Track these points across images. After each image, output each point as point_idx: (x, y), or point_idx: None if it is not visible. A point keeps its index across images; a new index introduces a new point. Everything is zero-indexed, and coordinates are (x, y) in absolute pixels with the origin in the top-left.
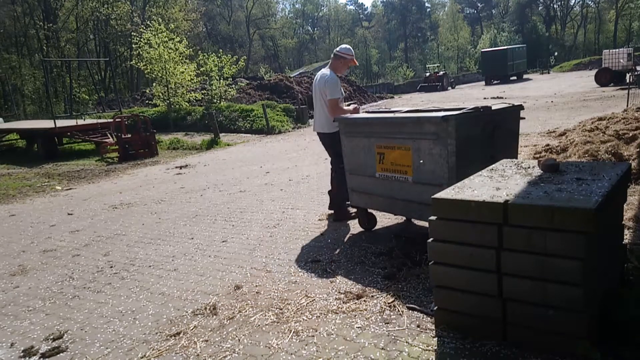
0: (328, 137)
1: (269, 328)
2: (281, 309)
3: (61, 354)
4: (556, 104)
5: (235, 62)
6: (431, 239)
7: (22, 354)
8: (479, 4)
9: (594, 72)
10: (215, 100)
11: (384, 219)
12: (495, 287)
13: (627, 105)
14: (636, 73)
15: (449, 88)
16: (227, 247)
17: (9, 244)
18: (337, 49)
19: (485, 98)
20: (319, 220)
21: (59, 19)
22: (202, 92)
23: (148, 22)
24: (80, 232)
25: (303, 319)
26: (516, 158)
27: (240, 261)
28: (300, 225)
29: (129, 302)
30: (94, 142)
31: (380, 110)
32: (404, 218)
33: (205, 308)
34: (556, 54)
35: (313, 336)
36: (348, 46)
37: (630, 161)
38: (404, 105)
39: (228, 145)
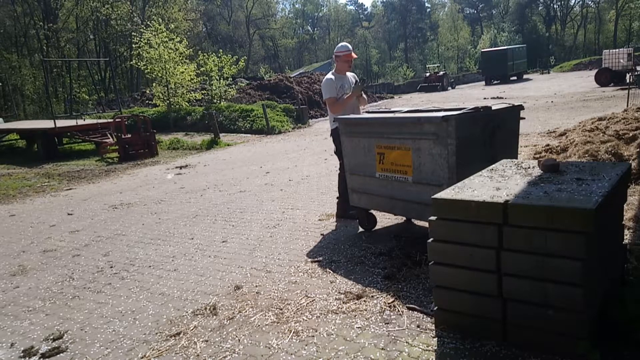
0: (332, 132)
1: (269, 328)
2: (281, 309)
3: (61, 354)
4: (556, 104)
5: (235, 62)
6: (431, 239)
7: (22, 354)
8: (479, 4)
9: (594, 72)
10: (215, 101)
11: (384, 219)
12: (495, 287)
13: (627, 105)
14: (636, 73)
15: (449, 88)
16: (227, 247)
17: (9, 244)
18: None
19: (485, 98)
20: (319, 220)
21: (59, 19)
22: (202, 92)
23: (148, 22)
24: (80, 232)
25: (303, 319)
26: (516, 158)
27: (240, 261)
28: (300, 225)
29: (129, 302)
30: (94, 142)
31: (380, 110)
32: (404, 218)
33: (205, 308)
34: (553, 57)
35: (313, 336)
36: (341, 43)
37: (630, 161)
38: (404, 105)
39: (228, 145)
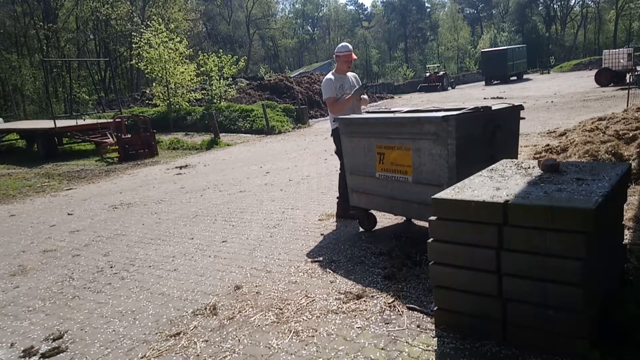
0: (332, 132)
1: (269, 328)
2: (281, 309)
3: (61, 354)
4: (556, 104)
5: (235, 62)
6: (431, 239)
7: (22, 354)
8: (479, 4)
9: (594, 72)
10: (215, 100)
11: (384, 219)
12: (495, 287)
13: (627, 105)
14: (636, 73)
15: (449, 88)
16: (227, 247)
17: (9, 244)
18: None
19: (485, 98)
20: (319, 220)
21: (58, 19)
22: (202, 92)
23: (148, 22)
24: (80, 232)
25: (303, 319)
26: (516, 158)
27: (240, 261)
28: (300, 225)
29: (129, 302)
30: (94, 142)
31: (380, 110)
32: (404, 218)
33: (205, 308)
34: (553, 57)
35: (313, 336)
36: (342, 44)
37: (630, 161)
38: (404, 105)
39: (228, 145)
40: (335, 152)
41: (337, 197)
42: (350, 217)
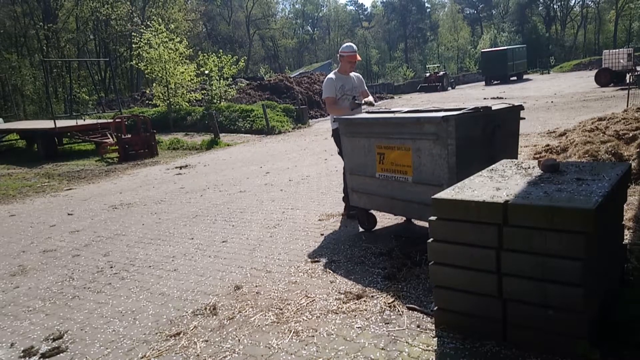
0: (333, 133)
1: (269, 328)
2: (281, 309)
3: (61, 354)
4: (556, 104)
5: (235, 62)
6: (431, 239)
7: (22, 354)
8: (479, 4)
9: (594, 72)
10: (215, 101)
11: (384, 219)
12: (495, 288)
13: (627, 106)
14: (636, 73)
15: (449, 88)
16: (227, 248)
17: (9, 244)
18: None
19: (485, 98)
20: (319, 220)
21: (58, 19)
22: (202, 92)
23: (148, 23)
24: (80, 232)
25: (303, 319)
26: (516, 158)
27: (240, 261)
28: (300, 225)
29: (129, 302)
30: (94, 142)
31: (381, 110)
32: (404, 218)
33: (205, 308)
34: (553, 58)
35: (313, 336)
36: (346, 44)
37: (630, 161)
38: (404, 105)
39: (228, 145)
40: (339, 153)
41: (343, 197)
42: (351, 217)
